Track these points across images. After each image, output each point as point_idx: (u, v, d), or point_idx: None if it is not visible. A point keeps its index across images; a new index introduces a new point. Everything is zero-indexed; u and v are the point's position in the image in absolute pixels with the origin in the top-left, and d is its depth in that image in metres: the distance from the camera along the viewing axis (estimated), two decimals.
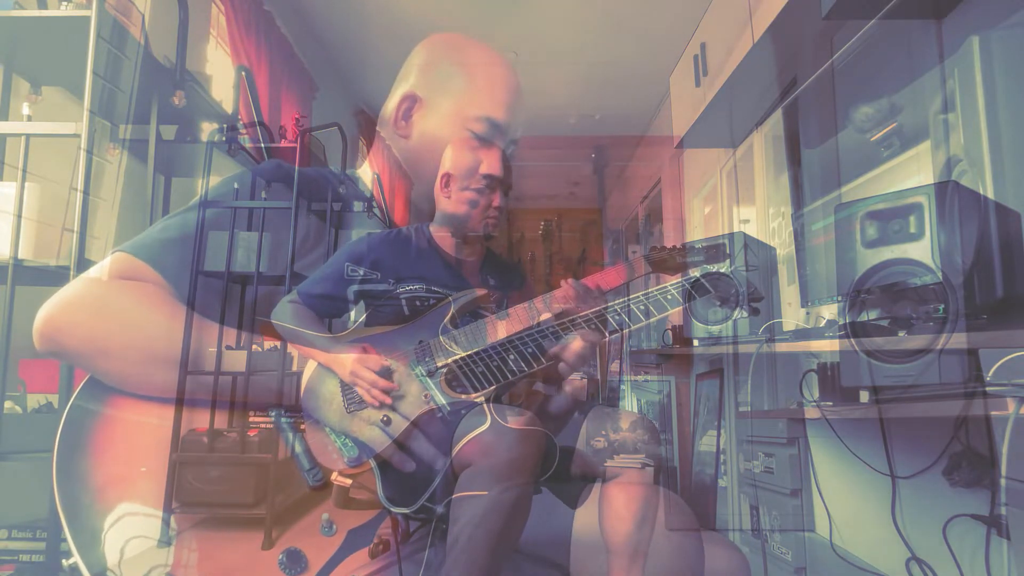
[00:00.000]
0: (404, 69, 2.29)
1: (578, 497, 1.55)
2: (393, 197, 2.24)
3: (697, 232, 3.60)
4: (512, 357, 1.50)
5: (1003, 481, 1.32)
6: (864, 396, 1.70)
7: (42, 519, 1.86)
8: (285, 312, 1.59)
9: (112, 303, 1.76)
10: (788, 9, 2.07)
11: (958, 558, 1.56)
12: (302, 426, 1.57)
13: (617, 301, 1.53)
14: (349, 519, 1.66)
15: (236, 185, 1.84)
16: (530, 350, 1.50)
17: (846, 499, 1.96)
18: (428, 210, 1.76)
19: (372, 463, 1.45)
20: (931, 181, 1.59)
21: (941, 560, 1.59)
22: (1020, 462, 1.28)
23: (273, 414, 1.66)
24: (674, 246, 1.67)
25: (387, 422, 1.46)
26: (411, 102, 2.20)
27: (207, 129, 2.34)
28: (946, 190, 1.43)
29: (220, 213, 1.82)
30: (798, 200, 2.55)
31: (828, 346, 1.75)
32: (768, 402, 2.21)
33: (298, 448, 1.57)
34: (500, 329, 1.53)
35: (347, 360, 1.50)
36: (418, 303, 1.59)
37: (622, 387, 3.32)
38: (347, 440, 1.48)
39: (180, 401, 1.70)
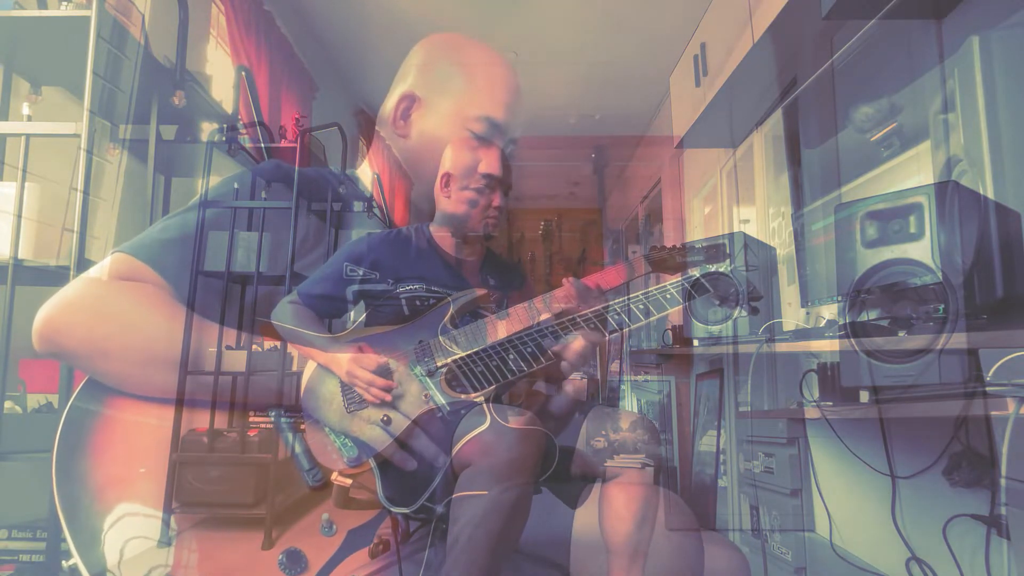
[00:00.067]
0: (402, 69, 2.29)
1: (578, 497, 1.55)
2: (393, 197, 2.24)
3: (697, 232, 3.60)
4: (512, 357, 1.50)
5: (1003, 481, 1.32)
6: (864, 396, 1.70)
7: (42, 519, 1.86)
8: (285, 312, 1.59)
9: (111, 304, 1.76)
10: (788, 9, 2.07)
11: (958, 558, 1.55)
12: (302, 426, 1.57)
13: (617, 301, 1.53)
14: (349, 519, 1.66)
15: (236, 185, 1.84)
16: (530, 350, 1.50)
17: (846, 499, 1.96)
18: (428, 210, 1.76)
19: (372, 463, 1.45)
20: (931, 181, 1.59)
21: (941, 560, 1.59)
22: (1020, 462, 1.28)
23: (273, 414, 1.66)
24: (674, 246, 1.67)
25: (387, 422, 1.46)
26: (410, 102, 2.20)
27: (207, 129, 2.34)
28: (946, 190, 1.43)
29: (220, 213, 1.82)
30: (798, 200, 2.55)
31: (828, 346, 1.75)
32: (768, 402, 2.21)
33: (298, 448, 1.57)
34: (500, 329, 1.53)
35: (344, 360, 1.50)
36: (418, 303, 1.59)
37: (622, 387, 3.32)
38: (347, 440, 1.48)
39: (180, 401, 1.70)
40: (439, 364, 1.50)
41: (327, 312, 1.62)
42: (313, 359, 1.56)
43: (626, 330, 1.52)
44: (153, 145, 2.14)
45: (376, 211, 2.06)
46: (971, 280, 1.34)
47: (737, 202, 3.14)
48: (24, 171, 1.98)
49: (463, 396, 1.47)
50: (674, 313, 1.60)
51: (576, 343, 1.49)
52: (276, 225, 1.82)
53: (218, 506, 1.68)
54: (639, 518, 1.45)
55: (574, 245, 4.20)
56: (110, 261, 1.77)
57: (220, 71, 2.56)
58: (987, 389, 1.29)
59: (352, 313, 1.69)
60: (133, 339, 1.74)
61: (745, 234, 2.21)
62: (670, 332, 2.75)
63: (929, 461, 1.64)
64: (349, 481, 1.47)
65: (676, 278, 1.56)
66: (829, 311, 1.96)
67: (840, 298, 1.64)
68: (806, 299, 1.86)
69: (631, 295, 1.54)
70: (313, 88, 3.07)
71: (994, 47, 1.35)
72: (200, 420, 1.71)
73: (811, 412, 1.88)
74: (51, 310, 1.69)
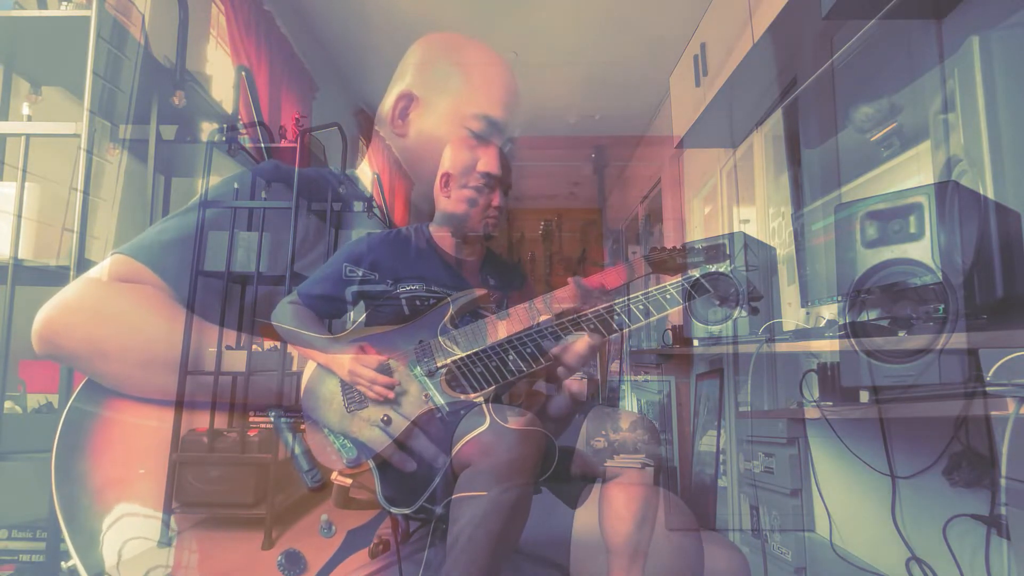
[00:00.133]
0: (400, 68, 2.29)
1: (578, 497, 1.55)
2: (393, 197, 2.25)
3: (697, 232, 3.60)
4: (512, 357, 1.50)
5: (1003, 481, 1.32)
6: (864, 396, 1.70)
7: (42, 519, 1.86)
8: (285, 313, 1.59)
9: (111, 306, 1.76)
10: (788, 9, 2.07)
11: (958, 558, 1.55)
12: (302, 426, 1.57)
13: (617, 301, 1.53)
14: (348, 520, 1.66)
15: (236, 185, 1.84)
16: (530, 351, 1.50)
17: (846, 499, 1.96)
18: (428, 210, 1.76)
19: (371, 464, 1.45)
20: (931, 181, 1.59)
21: (941, 560, 1.59)
22: (1020, 462, 1.28)
23: (272, 415, 1.66)
24: (674, 247, 1.67)
25: (387, 422, 1.46)
26: (407, 101, 2.21)
27: (207, 129, 2.34)
28: (946, 190, 1.43)
29: (220, 213, 1.82)
30: (798, 200, 2.55)
31: (828, 346, 1.75)
32: (768, 402, 2.21)
33: (297, 449, 1.57)
34: (500, 329, 1.53)
35: (345, 360, 1.50)
36: (418, 303, 1.59)
37: (622, 387, 3.32)
38: (346, 441, 1.48)
39: (180, 401, 1.70)
40: (439, 364, 1.50)
41: (327, 312, 1.62)
42: (313, 359, 1.56)
43: (626, 330, 1.52)
44: (153, 145, 2.14)
45: (376, 211, 2.06)
46: (971, 280, 1.34)
47: (737, 202, 3.14)
48: (24, 171, 1.98)
49: (463, 396, 1.47)
50: (674, 313, 1.60)
51: (576, 344, 1.49)
52: (276, 225, 1.82)
53: (218, 506, 1.68)
54: (639, 518, 1.45)
55: (574, 245, 4.20)
56: (109, 263, 1.77)
57: (220, 71, 2.56)
58: (987, 389, 1.29)
59: (352, 313, 1.69)
60: (132, 341, 1.74)
61: (745, 234, 2.21)
62: (670, 332, 2.75)
63: (929, 461, 1.64)
64: (349, 481, 1.47)
65: (676, 279, 1.56)
66: (829, 311, 1.96)
67: (840, 298, 1.64)
68: (806, 299, 1.86)
69: (631, 295, 1.54)
70: (313, 88, 3.07)
71: (994, 47, 1.35)
72: (200, 420, 1.71)
73: (811, 412, 1.88)
74: (50, 312, 1.69)
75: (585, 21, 2.99)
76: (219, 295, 1.77)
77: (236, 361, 1.72)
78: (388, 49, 2.41)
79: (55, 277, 1.90)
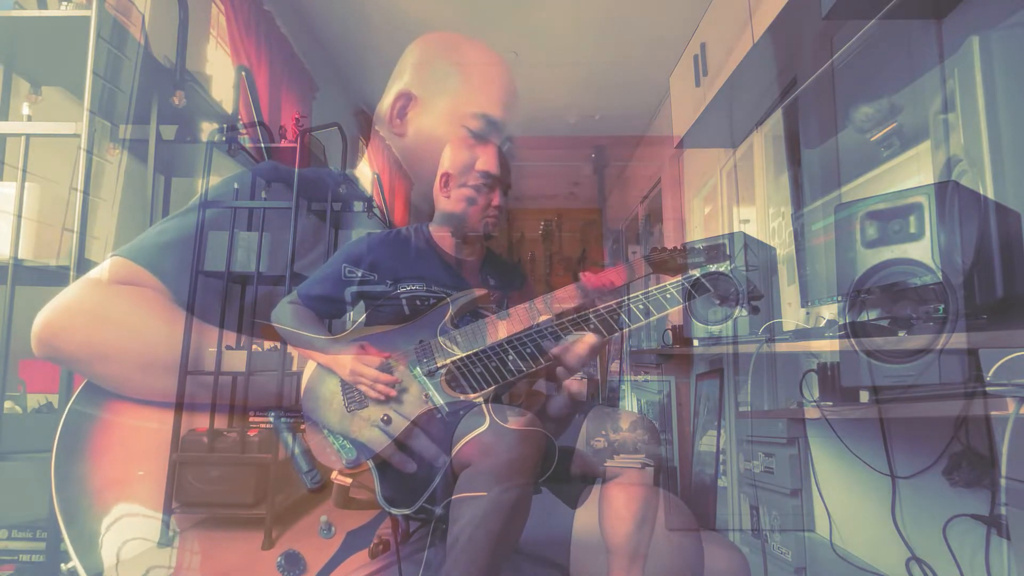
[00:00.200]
0: (398, 67, 2.30)
1: (578, 497, 1.55)
2: (393, 197, 2.25)
3: (697, 232, 3.60)
4: (511, 357, 1.50)
5: (1003, 481, 1.32)
6: (864, 396, 1.70)
7: (42, 519, 1.86)
8: (285, 313, 1.59)
9: (110, 308, 1.76)
10: (788, 9, 2.07)
11: (958, 558, 1.55)
12: (302, 427, 1.57)
13: (617, 301, 1.53)
14: (348, 520, 1.66)
15: (236, 185, 1.84)
16: (529, 350, 1.50)
17: (846, 499, 1.96)
18: (428, 210, 1.76)
19: (370, 464, 1.45)
20: (931, 181, 1.59)
21: (941, 560, 1.59)
22: (1020, 462, 1.28)
23: (272, 416, 1.66)
24: (675, 247, 1.67)
25: (387, 422, 1.46)
26: (406, 100, 2.21)
27: (207, 129, 2.34)
28: (946, 190, 1.43)
29: (220, 213, 1.82)
30: (798, 200, 2.55)
31: (828, 346, 1.75)
32: (768, 402, 2.21)
33: (296, 450, 1.57)
34: (500, 329, 1.53)
35: (347, 359, 1.50)
36: (418, 303, 1.59)
37: (622, 387, 3.32)
38: (345, 442, 1.48)
39: (180, 402, 1.70)
40: (439, 364, 1.50)
41: (327, 313, 1.62)
42: (314, 359, 1.56)
43: (626, 330, 1.52)
44: (153, 145, 2.14)
45: (376, 211, 2.06)
46: (971, 280, 1.34)
47: (737, 202, 3.14)
48: (24, 171, 1.98)
49: (462, 397, 1.47)
50: (674, 313, 1.60)
51: (576, 345, 1.49)
52: (276, 225, 1.82)
53: (218, 506, 1.68)
54: (639, 518, 1.45)
55: (574, 245, 4.20)
56: (108, 265, 1.77)
57: (220, 71, 2.56)
58: (987, 389, 1.29)
59: (352, 313, 1.69)
60: (131, 343, 1.74)
61: (745, 234, 2.21)
62: (670, 332, 2.75)
63: (929, 461, 1.64)
64: (349, 481, 1.47)
65: (677, 278, 1.56)
66: (829, 311, 1.96)
67: (840, 298, 1.64)
68: (806, 299, 1.86)
69: (631, 295, 1.54)
70: (313, 88, 3.07)
71: (994, 47, 1.35)
72: (200, 420, 1.71)
73: (811, 412, 1.88)
74: (49, 315, 1.69)
75: (585, 21, 2.99)
76: (219, 295, 1.77)
77: (236, 361, 1.72)
78: (388, 49, 2.41)
79: (55, 277, 1.90)
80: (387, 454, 1.44)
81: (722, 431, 2.53)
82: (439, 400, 1.46)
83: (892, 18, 1.82)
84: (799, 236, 1.98)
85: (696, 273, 1.56)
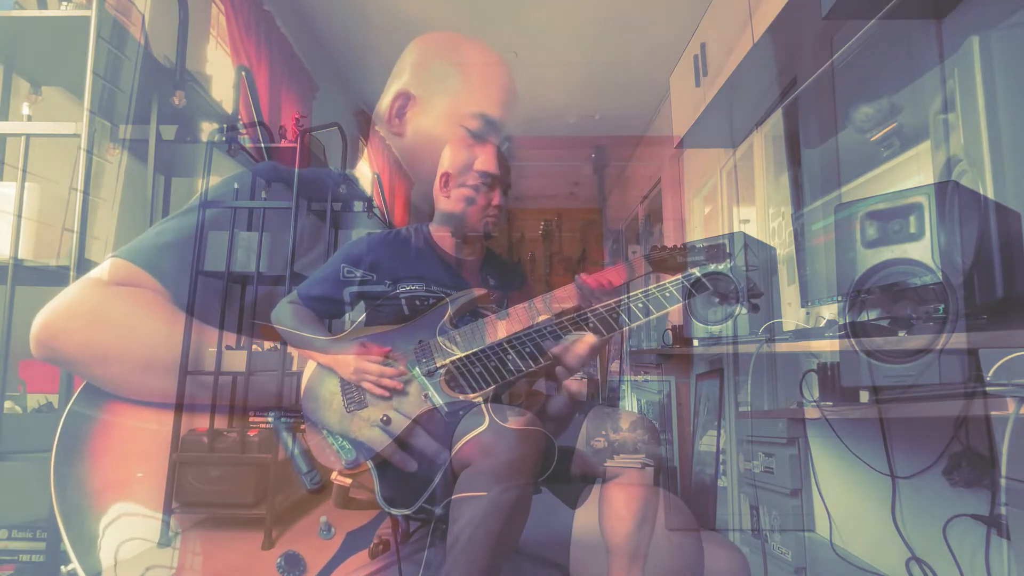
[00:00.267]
0: (397, 67, 2.30)
1: (578, 497, 1.55)
2: (393, 197, 2.25)
3: (697, 232, 3.60)
4: (511, 357, 1.50)
5: (1003, 481, 1.32)
6: (864, 396, 1.70)
7: (42, 519, 1.85)
8: (284, 313, 1.59)
9: (109, 310, 1.76)
10: (788, 9, 2.07)
11: (958, 558, 1.55)
12: (302, 427, 1.57)
13: (616, 300, 1.53)
14: (348, 521, 1.66)
15: (236, 185, 1.84)
16: (529, 350, 1.50)
17: (846, 499, 1.96)
18: (428, 210, 1.76)
19: (370, 464, 1.45)
20: (931, 181, 1.59)
21: (941, 560, 1.59)
22: (1020, 462, 1.28)
23: (272, 416, 1.66)
24: (675, 246, 1.67)
25: (386, 422, 1.46)
26: (404, 100, 2.21)
27: (207, 129, 2.34)
28: (946, 190, 1.43)
29: (220, 213, 1.82)
30: (798, 200, 2.55)
31: (828, 346, 1.75)
32: (768, 402, 2.21)
33: (296, 450, 1.58)
34: (499, 329, 1.53)
35: (348, 359, 1.50)
36: (418, 303, 1.59)
37: (622, 387, 3.32)
38: (344, 442, 1.48)
39: (180, 402, 1.70)
40: (438, 364, 1.50)
41: (327, 313, 1.62)
42: (314, 359, 1.56)
43: (626, 329, 1.52)
44: (153, 145, 2.14)
45: (376, 211, 2.06)
46: (971, 280, 1.34)
47: (737, 202, 3.14)
48: (24, 171, 1.98)
49: (462, 397, 1.47)
50: (674, 313, 1.60)
51: (576, 344, 1.49)
52: (276, 225, 1.82)
53: (218, 506, 1.68)
54: (639, 518, 1.45)
55: (574, 245, 4.20)
56: (107, 266, 1.77)
57: (220, 71, 2.56)
58: (987, 389, 1.29)
59: (351, 313, 1.69)
60: (131, 345, 1.75)
61: (745, 234, 2.21)
62: (670, 332, 2.75)
63: (929, 461, 1.64)
64: (349, 481, 1.47)
65: (676, 277, 1.56)
66: (829, 311, 1.96)
67: (840, 298, 1.64)
68: (806, 299, 1.86)
69: (631, 294, 1.54)
70: (313, 88, 3.07)
71: (994, 47, 1.35)
72: (200, 421, 1.71)
73: (811, 412, 1.88)
74: (48, 316, 1.69)
75: (585, 21, 2.99)
76: (219, 295, 1.77)
77: (236, 361, 1.73)
78: (388, 49, 2.41)
79: (55, 277, 1.90)
80: (387, 454, 1.44)
81: (722, 431, 2.53)
82: (438, 400, 1.46)
83: (892, 18, 1.82)
84: (799, 236, 1.98)
85: (696, 272, 1.56)
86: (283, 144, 2.21)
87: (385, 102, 2.26)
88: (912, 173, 1.91)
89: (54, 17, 2.00)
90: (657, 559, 1.48)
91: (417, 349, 1.53)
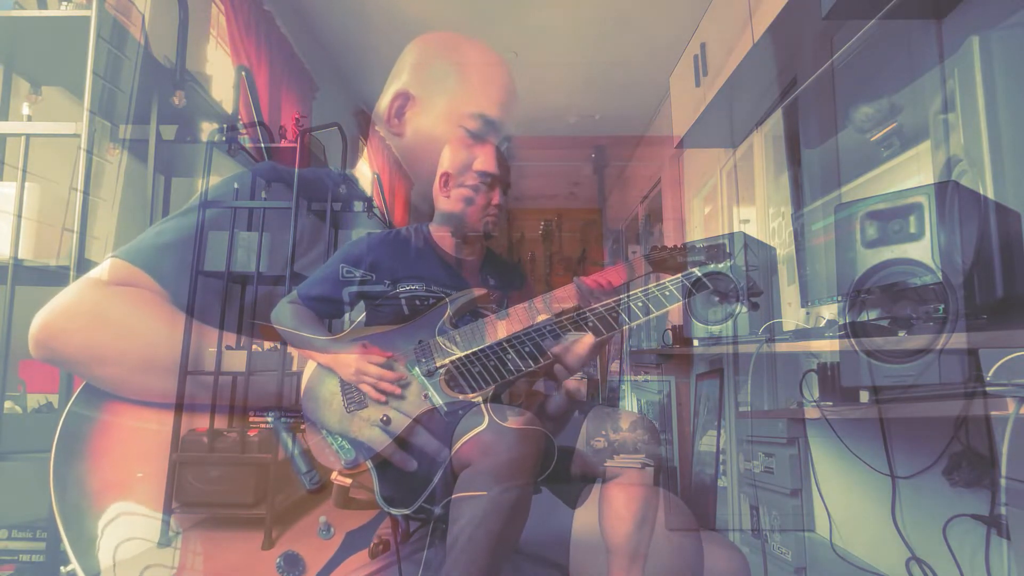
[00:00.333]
0: (396, 67, 2.30)
1: (578, 497, 1.55)
2: (393, 197, 2.25)
3: (697, 232, 3.60)
4: (511, 357, 1.49)
5: (1003, 481, 1.32)
6: (864, 396, 1.70)
7: (42, 519, 1.85)
8: (284, 313, 1.59)
9: (108, 310, 1.76)
10: (788, 9, 2.07)
11: (958, 558, 1.55)
12: (302, 427, 1.57)
13: (616, 299, 1.53)
14: (347, 521, 1.66)
15: (236, 185, 1.84)
16: (528, 350, 1.50)
17: (846, 499, 1.96)
18: (427, 210, 1.76)
19: (370, 464, 1.45)
20: (931, 181, 1.59)
21: (941, 560, 1.59)
22: (1020, 462, 1.28)
23: (272, 416, 1.66)
24: (675, 246, 1.67)
25: (386, 422, 1.46)
26: (404, 100, 2.21)
27: (207, 129, 2.34)
28: (946, 190, 1.43)
29: (219, 213, 1.82)
30: (798, 200, 2.55)
31: (828, 346, 1.75)
32: (768, 402, 2.21)
33: (296, 451, 1.58)
34: (499, 329, 1.53)
35: (349, 359, 1.50)
36: (417, 303, 1.59)
37: (622, 387, 3.32)
38: (344, 442, 1.48)
39: (180, 402, 1.70)
40: (438, 364, 1.50)
41: (327, 313, 1.62)
42: (314, 360, 1.56)
43: (626, 328, 1.52)
44: (153, 145, 2.14)
45: (375, 211, 2.06)
46: (971, 280, 1.34)
47: (737, 202, 3.14)
48: (24, 171, 1.98)
49: (461, 396, 1.47)
50: (674, 313, 1.60)
51: (576, 344, 1.49)
52: (276, 225, 1.82)
53: (218, 506, 1.68)
54: (639, 518, 1.45)
55: (574, 245, 4.20)
56: (106, 267, 1.77)
57: (220, 71, 2.56)
58: (987, 389, 1.29)
59: (351, 313, 1.69)
60: (130, 345, 1.75)
61: (745, 234, 2.21)
62: (670, 332, 2.75)
63: (929, 461, 1.64)
64: (349, 481, 1.47)
65: (676, 277, 1.56)
66: (829, 311, 1.96)
67: (840, 298, 1.63)
68: (806, 299, 1.86)
69: (631, 293, 1.54)
70: (313, 88, 3.07)
71: (994, 47, 1.35)
72: (200, 421, 1.71)
73: (811, 412, 1.88)
74: (47, 317, 1.69)
75: (585, 21, 2.99)
76: (219, 295, 1.77)
77: (236, 361, 1.73)
78: (388, 49, 2.41)
79: (55, 277, 1.90)
80: (386, 454, 1.44)
81: (722, 431, 2.53)
82: (438, 400, 1.46)
83: (892, 18, 1.82)
84: (799, 236, 1.98)
85: (696, 271, 1.56)
86: (283, 144, 2.21)
87: (385, 102, 2.26)
88: (912, 173, 1.91)
89: (54, 17, 2.00)
90: (657, 559, 1.48)
91: (417, 349, 1.53)
